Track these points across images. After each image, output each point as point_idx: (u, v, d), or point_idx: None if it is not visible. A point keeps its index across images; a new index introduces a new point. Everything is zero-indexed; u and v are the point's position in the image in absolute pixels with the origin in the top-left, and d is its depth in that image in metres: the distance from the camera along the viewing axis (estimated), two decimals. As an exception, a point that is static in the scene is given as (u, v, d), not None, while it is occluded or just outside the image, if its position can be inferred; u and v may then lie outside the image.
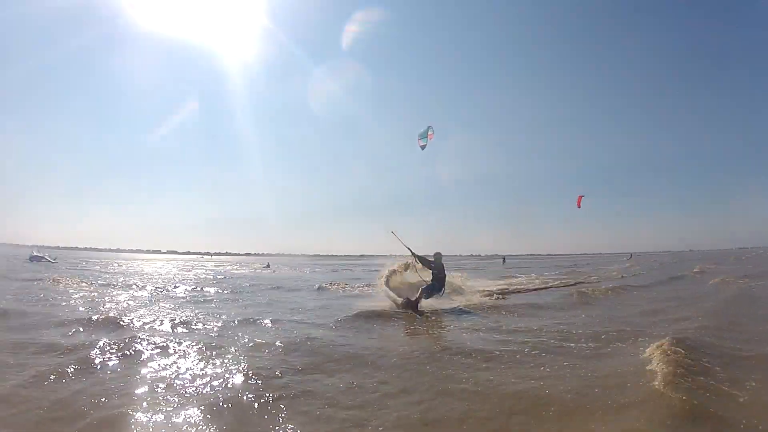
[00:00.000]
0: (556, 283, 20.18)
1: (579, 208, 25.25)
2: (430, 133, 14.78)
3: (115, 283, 19.25)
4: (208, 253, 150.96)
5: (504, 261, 61.16)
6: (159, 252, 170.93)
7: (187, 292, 16.22)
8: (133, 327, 8.35)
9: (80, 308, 11.00)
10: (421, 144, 14.87)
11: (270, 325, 9.04)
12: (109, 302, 12.39)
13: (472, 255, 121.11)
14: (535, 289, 17.30)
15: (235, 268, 43.96)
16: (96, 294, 14.57)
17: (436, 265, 11.74)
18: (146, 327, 8.38)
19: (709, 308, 10.87)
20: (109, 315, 9.63)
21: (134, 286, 17.87)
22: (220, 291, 16.90)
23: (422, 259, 11.89)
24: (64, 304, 11.75)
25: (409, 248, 11.89)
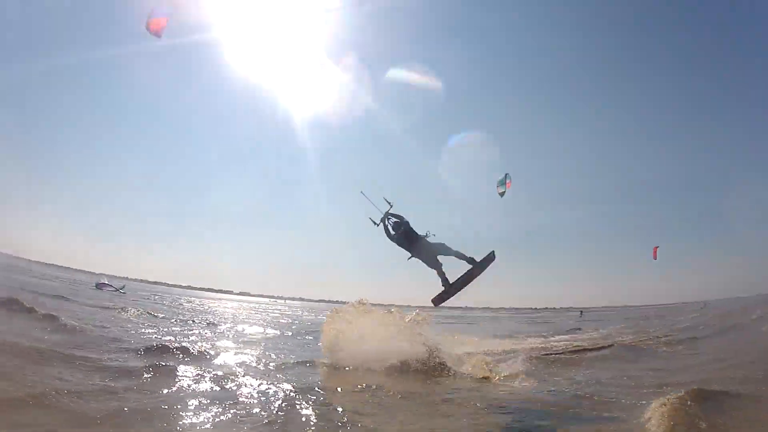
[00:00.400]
0: (585, 344, 15.96)
1: (655, 259, 24.50)
2: (508, 181, 14.66)
3: (182, 318, 20.15)
4: (281, 297, 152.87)
5: (581, 314, 56.38)
6: (231, 292, 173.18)
7: (252, 332, 16.96)
8: (195, 358, 8.95)
9: (140, 336, 11.85)
10: (500, 191, 14.67)
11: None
12: (170, 334, 13.09)
13: (546, 308, 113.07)
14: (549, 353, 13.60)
15: (305, 313, 44.37)
16: (160, 326, 15.47)
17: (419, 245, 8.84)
18: (206, 360, 8.95)
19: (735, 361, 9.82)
20: (169, 345, 10.12)
21: (200, 322, 18.65)
22: (284, 333, 17.64)
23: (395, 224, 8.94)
24: (127, 331, 12.65)
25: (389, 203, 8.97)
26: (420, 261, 8.90)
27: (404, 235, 8.74)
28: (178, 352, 9.42)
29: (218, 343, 12.41)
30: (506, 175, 14.74)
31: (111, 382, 6.39)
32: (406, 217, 8.87)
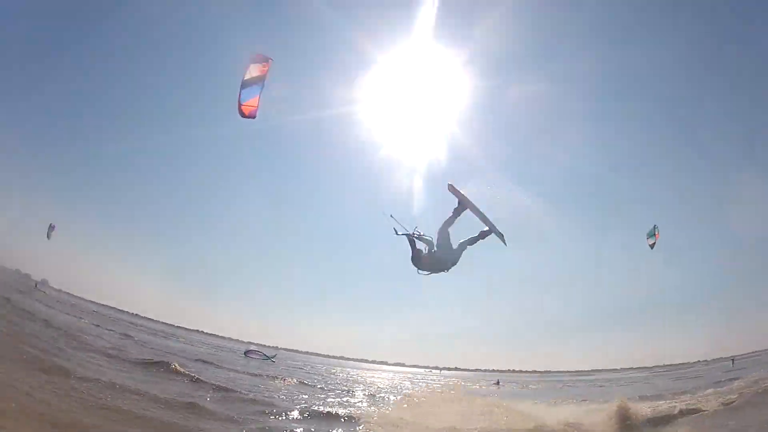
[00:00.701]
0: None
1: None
2: (656, 232, 15.82)
3: (334, 387, 20.65)
4: (436, 367, 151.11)
5: (733, 363, 50.06)
6: (385, 363, 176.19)
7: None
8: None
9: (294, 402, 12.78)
10: (650, 243, 15.86)
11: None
12: (324, 403, 13.84)
13: (698, 361, 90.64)
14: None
15: (463, 383, 43.81)
16: (315, 394, 16.32)
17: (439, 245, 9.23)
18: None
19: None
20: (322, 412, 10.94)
21: (352, 391, 19.26)
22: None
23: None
24: (278, 396, 13.53)
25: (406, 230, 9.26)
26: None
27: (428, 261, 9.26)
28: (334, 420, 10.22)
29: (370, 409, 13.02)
30: (654, 226, 16.11)
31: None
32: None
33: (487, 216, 9.54)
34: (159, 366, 14.23)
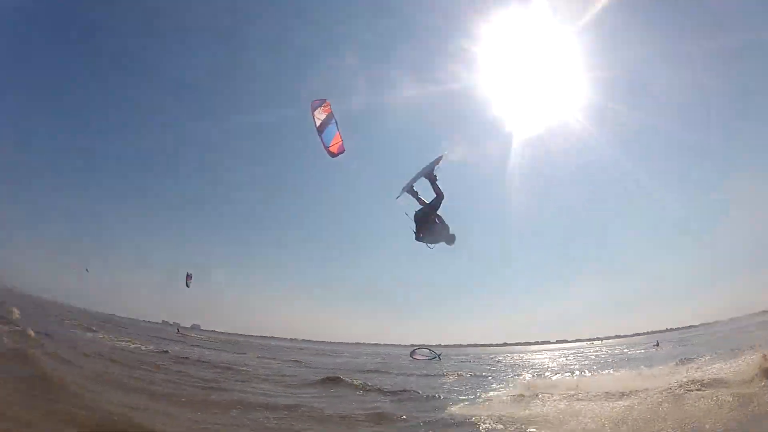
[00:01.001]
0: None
1: None
2: None
3: (498, 374, 20.95)
4: (597, 338, 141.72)
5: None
6: (548, 342, 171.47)
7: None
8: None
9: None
10: None
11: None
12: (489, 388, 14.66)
13: None
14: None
15: (624, 349, 43.12)
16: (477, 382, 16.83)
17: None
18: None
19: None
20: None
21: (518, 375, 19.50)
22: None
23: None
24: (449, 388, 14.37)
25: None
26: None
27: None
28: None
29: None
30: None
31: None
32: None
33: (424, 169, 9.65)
34: (334, 382, 15.00)
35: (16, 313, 22.48)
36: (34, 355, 10.91)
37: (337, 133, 12.06)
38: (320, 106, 11.85)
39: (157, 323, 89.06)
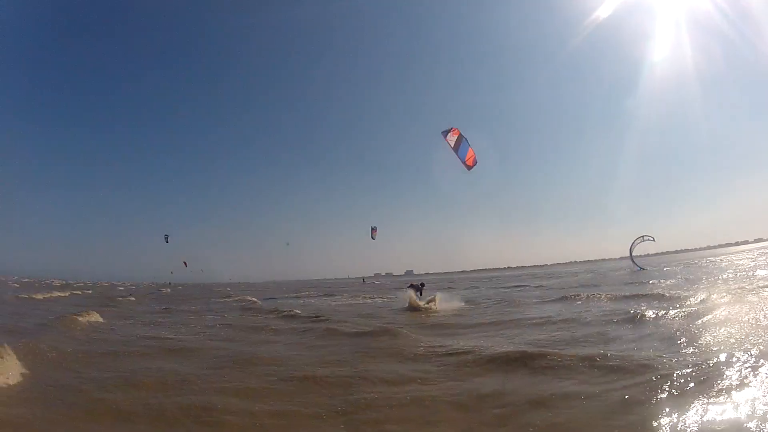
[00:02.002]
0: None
1: None
2: None
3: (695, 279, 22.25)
4: None
5: None
6: (746, 242, 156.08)
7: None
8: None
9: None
10: None
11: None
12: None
13: None
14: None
15: None
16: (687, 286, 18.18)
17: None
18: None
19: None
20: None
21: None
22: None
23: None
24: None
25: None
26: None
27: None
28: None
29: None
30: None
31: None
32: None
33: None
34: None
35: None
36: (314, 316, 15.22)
37: (470, 148, 13.55)
38: (449, 132, 13.50)
39: (357, 278, 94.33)
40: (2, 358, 6.31)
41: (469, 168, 13.74)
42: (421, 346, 8.45)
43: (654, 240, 42.41)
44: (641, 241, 43.20)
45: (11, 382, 5.93)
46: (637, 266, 42.10)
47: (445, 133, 13.45)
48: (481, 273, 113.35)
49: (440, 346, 8.27)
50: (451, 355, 7.53)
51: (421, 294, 18.34)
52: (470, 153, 13.57)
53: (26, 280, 67.16)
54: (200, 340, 10.64)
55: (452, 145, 13.42)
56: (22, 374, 6.32)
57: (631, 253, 43.97)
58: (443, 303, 17.08)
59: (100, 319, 14.26)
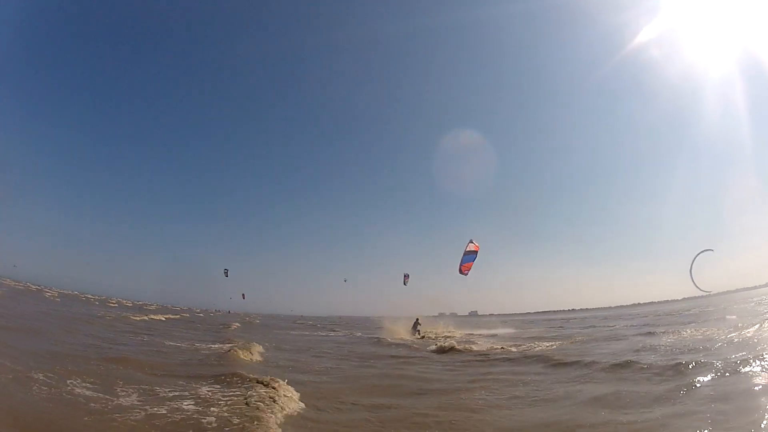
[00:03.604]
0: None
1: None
2: None
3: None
4: None
5: None
6: None
7: None
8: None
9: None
10: None
11: None
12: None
13: None
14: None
15: None
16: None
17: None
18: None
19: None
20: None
21: None
22: None
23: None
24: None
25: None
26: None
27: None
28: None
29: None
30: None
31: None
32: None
33: None
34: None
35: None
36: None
37: (471, 263, 15.86)
38: (474, 243, 16.31)
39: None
40: (288, 396, 7.05)
41: (461, 273, 16.39)
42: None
43: (713, 251, 40.42)
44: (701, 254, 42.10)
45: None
46: (700, 289, 40.12)
47: (472, 242, 16.29)
48: (548, 315, 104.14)
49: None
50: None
51: (416, 328, 25.59)
52: (469, 266, 16.09)
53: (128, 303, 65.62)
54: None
55: (466, 250, 15.86)
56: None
57: (691, 273, 41.44)
58: None
59: (266, 352, 14.00)
